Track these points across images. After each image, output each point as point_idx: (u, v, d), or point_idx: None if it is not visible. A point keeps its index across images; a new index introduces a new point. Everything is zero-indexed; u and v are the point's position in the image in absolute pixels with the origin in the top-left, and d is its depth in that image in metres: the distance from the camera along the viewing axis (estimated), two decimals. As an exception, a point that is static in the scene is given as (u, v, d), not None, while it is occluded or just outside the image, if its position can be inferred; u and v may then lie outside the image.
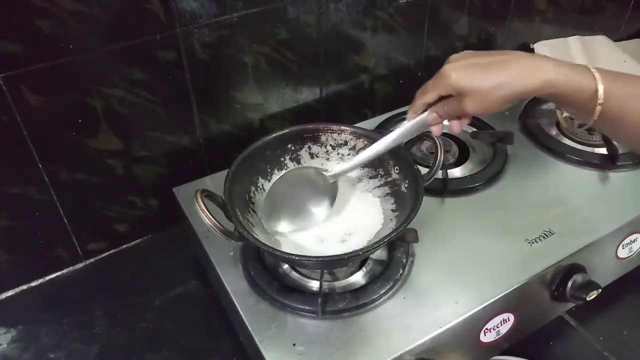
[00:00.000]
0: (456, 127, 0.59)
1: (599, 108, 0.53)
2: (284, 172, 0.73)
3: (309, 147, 0.75)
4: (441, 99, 0.57)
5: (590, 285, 0.70)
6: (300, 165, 0.75)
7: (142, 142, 0.80)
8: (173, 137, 0.82)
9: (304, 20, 0.84)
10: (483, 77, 0.53)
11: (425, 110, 0.59)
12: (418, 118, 0.60)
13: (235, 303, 0.65)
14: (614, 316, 0.80)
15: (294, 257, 0.60)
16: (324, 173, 0.69)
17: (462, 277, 0.67)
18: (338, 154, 0.75)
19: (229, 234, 0.61)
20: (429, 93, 0.58)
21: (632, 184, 0.81)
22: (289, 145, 0.74)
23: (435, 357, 0.62)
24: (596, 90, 0.53)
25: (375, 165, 0.73)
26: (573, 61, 1.17)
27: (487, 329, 0.67)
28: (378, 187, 0.73)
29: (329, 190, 0.68)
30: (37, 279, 0.81)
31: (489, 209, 0.77)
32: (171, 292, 0.79)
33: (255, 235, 0.62)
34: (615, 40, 1.29)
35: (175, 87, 0.78)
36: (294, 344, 0.60)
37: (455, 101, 0.55)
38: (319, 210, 0.68)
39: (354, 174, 0.75)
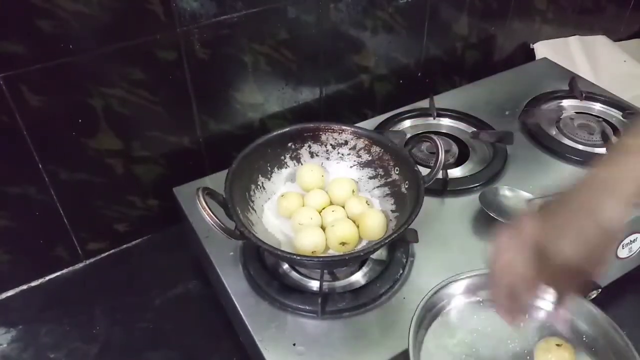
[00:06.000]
0: None
1: None
2: (283, 170, 0.74)
3: (309, 146, 0.75)
4: None
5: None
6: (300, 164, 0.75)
7: (142, 142, 0.80)
8: (173, 137, 0.82)
9: (304, 20, 0.84)
10: None
11: None
12: None
13: (235, 303, 0.65)
14: (614, 316, 0.80)
15: (294, 257, 0.60)
16: None
17: (462, 277, 0.67)
18: (338, 153, 0.75)
19: (230, 232, 0.61)
20: None
21: (632, 184, 0.81)
22: (290, 144, 0.74)
23: (436, 357, 0.62)
24: None
25: (375, 166, 0.73)
26: (573, 60, 1.18)
27: (487, 328, 0.67)
28: (378, 187, 0.73)
29: None
30: (37, 279, 0.81)
31: (489, 208, 0.77)
32: (171, 292, 0.79)
33: (255, 233, 0.62)
34: (615, 40, 1.29)
35: (175, 87, 0.78)
36: (294, 344, 0.60)
37: None
38: None
39: (354, 174, 0.75)
